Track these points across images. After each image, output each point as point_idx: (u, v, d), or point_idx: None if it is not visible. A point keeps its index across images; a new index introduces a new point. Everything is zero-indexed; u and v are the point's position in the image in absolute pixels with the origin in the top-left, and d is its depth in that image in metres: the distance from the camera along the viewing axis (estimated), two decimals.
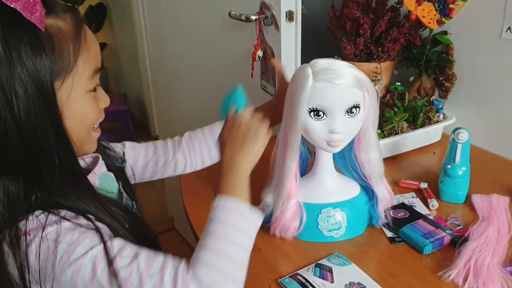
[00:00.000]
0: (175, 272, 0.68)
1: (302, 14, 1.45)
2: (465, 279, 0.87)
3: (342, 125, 0.89)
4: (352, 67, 0.89)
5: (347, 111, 0.89)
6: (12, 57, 0.65)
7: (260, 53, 1.52)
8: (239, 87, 0.92)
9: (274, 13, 1.43)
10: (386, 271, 0.92)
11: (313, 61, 0.90)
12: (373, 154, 0.97)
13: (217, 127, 1.06)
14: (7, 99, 0.65)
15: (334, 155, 1.00)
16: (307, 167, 1.05)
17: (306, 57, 1.49)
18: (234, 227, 0.74)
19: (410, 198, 1.13)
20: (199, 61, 1.94)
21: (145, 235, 0.85)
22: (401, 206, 1.08)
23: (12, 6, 0.63)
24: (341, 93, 0.87)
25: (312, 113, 0.89)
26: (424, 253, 0.94)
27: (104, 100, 0.81)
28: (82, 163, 0.84)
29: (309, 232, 0.98)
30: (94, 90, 0.78)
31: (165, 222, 2.69)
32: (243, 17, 1.50)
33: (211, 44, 1.80)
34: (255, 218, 0.77)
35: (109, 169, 0.90)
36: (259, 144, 0.84)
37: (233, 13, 1.55)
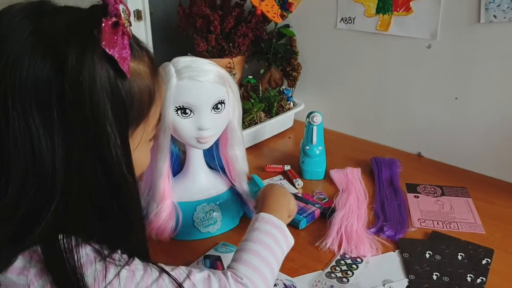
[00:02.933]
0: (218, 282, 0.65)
1: (150, 13, 1.44)
2: (339, 245, 0.96)
3: (210, 121, 0.90)
4: (213, 64, 0.90)
5: (213, 107, 0.90)
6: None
7: None
8: (255, 176, 1.04)
9: None
10: None
11: (175, 59, 0.90)
12: (240, 150, 0.99)
13: None
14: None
15: (204, 152, 1.01)
16: (180, 166, 1.04)
17: (161, 57, 1.48)
18: (275, 239, 0.75)
19: (278, 181, 1.20)
20: None
21: None
22: None
23: (109, 53, 0.53)
24: (206, 90, 0.88)
25: (179, 111, 0.89)
26: (299, 228, 1.01)
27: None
28: None
29: (185, 231, 0.98)
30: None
31: None
32: None
33: None
34: (290, 240, 0.79)
35: None
36: (293, 201, 0.88)
37: None
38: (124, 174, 0.57)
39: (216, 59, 1.43)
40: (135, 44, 0.61)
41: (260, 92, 1.44)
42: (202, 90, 0.88)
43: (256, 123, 1.37)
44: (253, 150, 1.37)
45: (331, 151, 1.28)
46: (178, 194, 0.98)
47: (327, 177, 1.22)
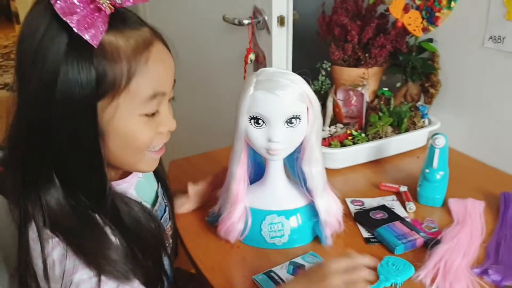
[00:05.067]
0: None
1: (294, 19, 1.49)
2: (433, 280, 0.90)
3: (280, 135, 0.90)
4: (298, 80, 0.90)
5: (286, 121, 0.90)
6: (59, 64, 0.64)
7: (252, 56, 1.56)
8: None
9: (266, 18, 1.47)
10: None
11: (262, 69, 0.92)
12: (315, 167, 0.96)
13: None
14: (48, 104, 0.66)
15: (286, 163, 1.01)
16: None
17: (299, 61, 1.53)
18: None
19: (390, 201, 1.17)
20: (194, 63, 1.97)
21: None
22: (382, 208, 1.12)
23: (65, 19, 0.62)
24: (280, 103, 0.88)
25: (252, 121, 0.91)
26: (395, 253, 0.98)
27: (167, 125, 0.78)
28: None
29: (252, 237, 1.00)
30: (153, 114, 0.74)
31: None
32: (236, 21, 1.55)
33: (206, 47, 1.84)
34: None
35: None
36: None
37: (227, 17, 1.59)
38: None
39: (350, 68, 1.43)
40: (130, 22, 0.69)
41: (392, 106, 1.40)
42: (276, 103, 0.88)
43: (380, 137, 1.34)
44: (373, 165, 1.34)
45: (457, 177, 1.20)
46: (251, 200, 1.00)
47: (445, 205, 1.14)
